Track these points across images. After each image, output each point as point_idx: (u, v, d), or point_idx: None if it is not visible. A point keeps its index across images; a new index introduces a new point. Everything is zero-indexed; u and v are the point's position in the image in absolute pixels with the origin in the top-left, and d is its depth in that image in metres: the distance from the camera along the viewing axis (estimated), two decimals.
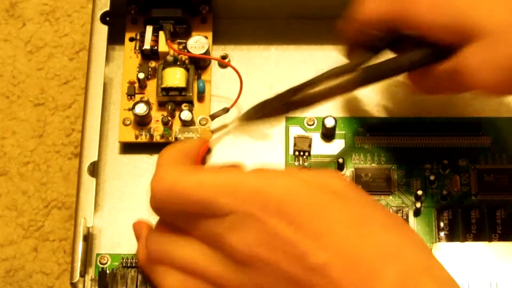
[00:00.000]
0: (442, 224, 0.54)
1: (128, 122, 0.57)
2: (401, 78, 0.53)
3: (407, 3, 0.49)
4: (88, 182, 0.53)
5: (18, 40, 0.63)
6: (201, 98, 0.58)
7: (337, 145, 0.57)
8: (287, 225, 0.41)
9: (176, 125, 0.56)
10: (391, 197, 0.55)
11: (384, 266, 0.40)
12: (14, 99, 0.61)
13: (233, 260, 0.43)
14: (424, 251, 0.42)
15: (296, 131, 0.57)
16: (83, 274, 0.52)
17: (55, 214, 0.58)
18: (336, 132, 0.57)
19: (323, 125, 0.56)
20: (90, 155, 0.54)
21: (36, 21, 0.64)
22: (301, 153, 0.57)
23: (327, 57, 0.60)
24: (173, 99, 0.57)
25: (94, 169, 0.54)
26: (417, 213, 0.55)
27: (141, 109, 0.56)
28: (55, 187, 0.59)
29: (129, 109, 0.56)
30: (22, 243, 0.57)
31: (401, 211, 0.55)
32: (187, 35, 0.59)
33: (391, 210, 0.55)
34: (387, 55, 0.52)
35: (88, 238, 0.53)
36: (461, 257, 0.51)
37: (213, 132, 0.57)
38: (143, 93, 0.57)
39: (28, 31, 0.63)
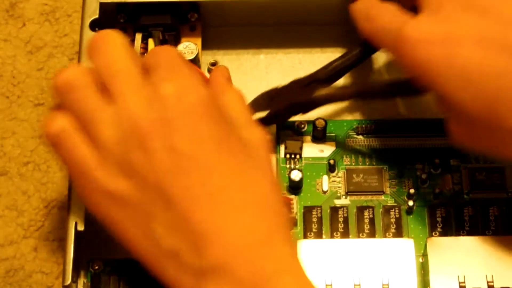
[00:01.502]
0: (435, 222, 0.54)
1: None
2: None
3: None
4: None
5: (18, 40, 0.63)
6: None
7: (328, 147, 0.57)
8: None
9: None
10: (383, 196, 0.55)
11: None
12: (14, 99, 0.61)
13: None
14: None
15: (286, 134, 0.57)
16: (75, 278, 0.51)
17: (55, 214, 0.58)
18: (327, 134, 0.57)
19: (314, 127, 0.56)
20: None
21: (36, 21, 0.64)
22: (292, 156, 0.57)
23: (316, 62, 0.60)
24: None
25: None
26: (410, 212, 0.55)
27: None
28: (55, 187, 0.59)
29: None
30: (22, 243, 0.57)
31: (393, 210, 0.54)
32: (176, 42, 0.59)
33: (383, 209, 0.54)
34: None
35: (81, 242, 0.53)
36: (456, 251, 0.51)
37: None
38: None
39: (28, 31, 0.64)
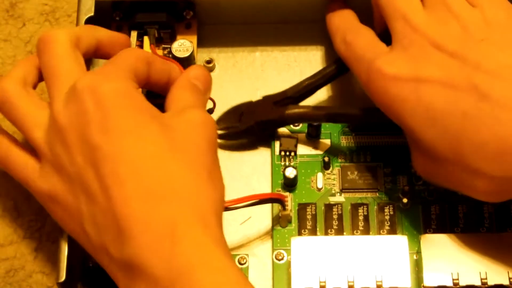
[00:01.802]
0: (429, 219, 0.54)
1: None
2: None
3: None
4: None
5: (18, 40, 0.63)
6: None
7: (323, 145, 0.57)
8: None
9: None
10: (377, 194, 0.55)
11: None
12: None
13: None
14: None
15: (281, 131, 0.57)
16: (69, 274, 0.51)
17: None
18: (322, 131, 0.57)
19: (309, 125, 0.56)
20: None
21: (36, 21, 0.64)
22: (287, 153, 0.57)
23: (311, 60, 0.60)
24: (159, 102, 0.57)
25: None
26: (404, 209, 0.55)
27: None
28: None
29: None
30: (22, 243, 0.57)
31: (388, 208, 0.54)
32: (171, 40, 0.59)
33: (377, 206, 0.55)
34: None
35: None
36: (450, 248, 0.51)
37: None
38: None
39: (28, 31, 0.64)
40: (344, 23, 0.55)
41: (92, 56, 0.54)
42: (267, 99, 0.57)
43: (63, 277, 0.51)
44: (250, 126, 0.56)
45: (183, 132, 0.47)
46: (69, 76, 0.49)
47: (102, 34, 0.54)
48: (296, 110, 0.55)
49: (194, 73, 0.52)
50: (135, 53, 0.51)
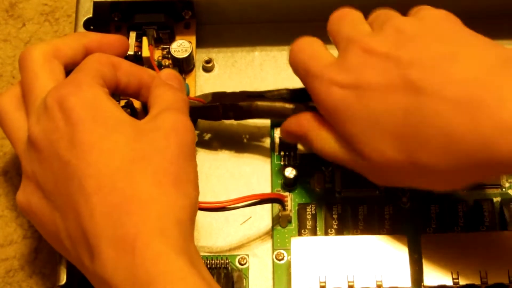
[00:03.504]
0: (429, 219, 0.54)
1: None
2: None
3: None
4: None
5: (18, 40, 0.64)
6: None
7: None
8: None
9: None
10: (377, 193, 0.55)
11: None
12: None
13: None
14: None
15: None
16: (70, 277, 0.51)
17: None
18: None
19: None
20: None
21: (36, 21, 0.64)
22: (287, 153, 0.57)
23: None
24: None
25: None
26: (404, 208, 0.55)
27: (126, 112, 0.56)
28: None
29: None
30: (22, 243, 0.57)
31: (388, 207, 0.54)
32: (170, 40, 0.59)
33: (377, 206, 0.55)
34: None
35: None
36: (449, 247, 0.51)
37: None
38: (127, 97, 0.57)
39: (28, 31, 0.64)
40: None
41: None
42: (243, 93, 0.56)
43: (63, 280, 0.51)
44: (214, 105, 0.55)
45: (152, 140, 0.47)
46: (41, 91, 0.49)
47: (91, 39, 0.54)
48: (265, 103, 0.55)
49: (165, 74, 0.52)
50: (98, 58, 0.51)
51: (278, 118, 0.55)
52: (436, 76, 0.46)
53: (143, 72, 0.52)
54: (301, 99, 0.54)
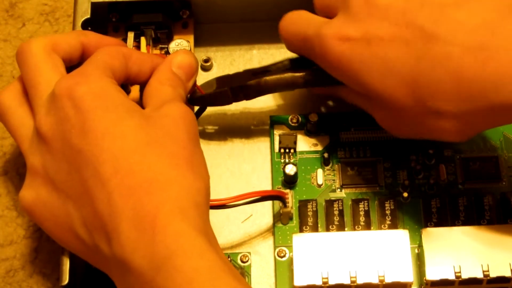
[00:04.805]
0: (430, 213, 0.54)
1: None
2: None
3: None
4: None
5: (18, 40, 0.64)
6: None
7: (322, 141, 0.57)
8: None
9: None
10: (378, 188, 0.55)
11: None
12: None
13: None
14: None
15: (280, 129, 0.57)
16: (72, 277, 0.51)
17: None
18: (321, 127, 0.57)
19: (307, 121, 0.57)
20: None
21: (36, 21, 0.64)
22: (287, 150, 0.57)
23: None
24: None
25: None
26: (405, 203, 0.55)
27: None
28: None
29: None
30: (22, 243, 0.57)
31: (388, 202, 0.55)
32: (168, 40, 0.59)
33: (378, 201, 0.55)
34: None
35: None
36: (451, 241, 0.51)
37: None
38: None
39: (28, 31, 0.64)
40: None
41: (79, 60, 0.54)
42: (247, 71, 0.56)
43: (66, 280, 0.51)
44: (223, 90, 0.55)
45: (162, 126, 0.47)
46: (47, 84, 0.49)
47: (90, 38, 0.54)
48: (274, 76, 0.54)
49: (177, 61, 0.52)
50: (109, 50, 0.51)
51: (289, 89, 0.55)
52: (445, 22, 0.47)
53: (156, 60, 0.53)
54: (306, 66, 0.54)
